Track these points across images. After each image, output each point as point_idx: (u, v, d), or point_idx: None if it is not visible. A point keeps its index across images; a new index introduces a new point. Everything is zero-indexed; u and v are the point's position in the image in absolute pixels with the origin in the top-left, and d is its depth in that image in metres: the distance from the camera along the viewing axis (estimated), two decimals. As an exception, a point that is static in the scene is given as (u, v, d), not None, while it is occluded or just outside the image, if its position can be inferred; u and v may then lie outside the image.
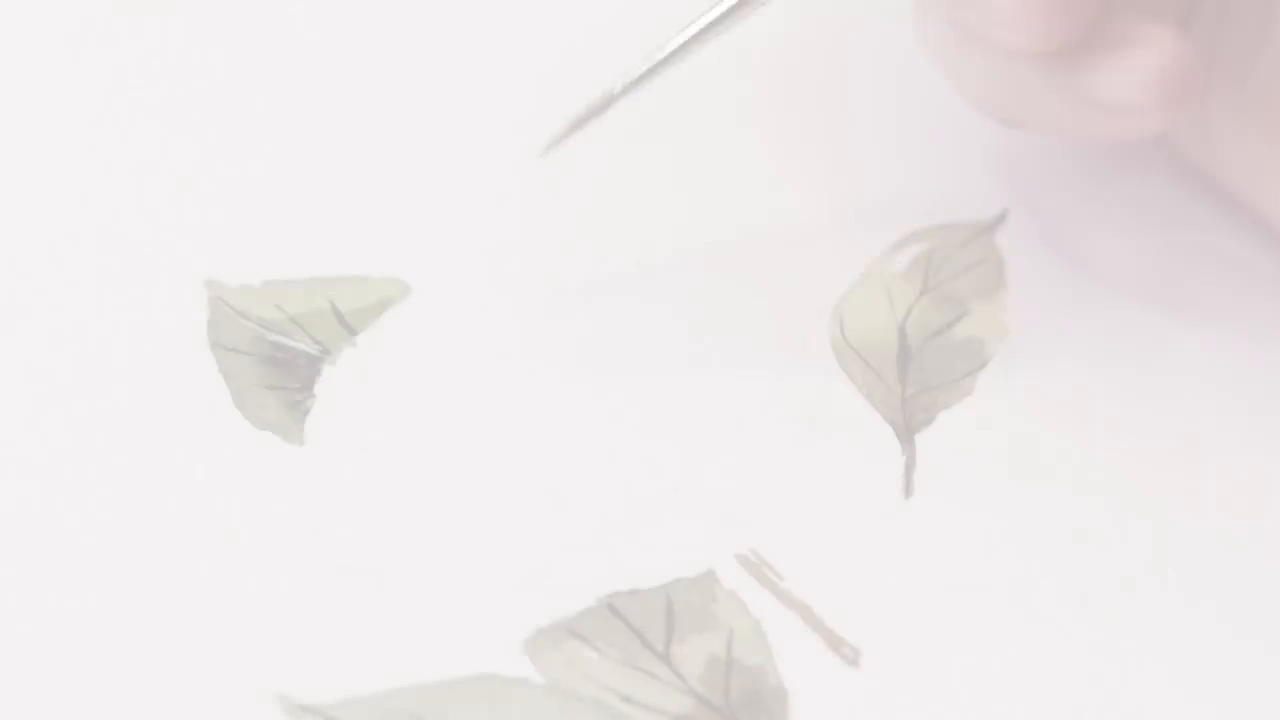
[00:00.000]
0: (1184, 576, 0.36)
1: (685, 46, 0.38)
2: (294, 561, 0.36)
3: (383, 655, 0.35)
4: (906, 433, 0.39)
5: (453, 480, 0.37)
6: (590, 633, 0.35)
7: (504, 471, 0.38)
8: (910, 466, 0.38)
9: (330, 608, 0.35)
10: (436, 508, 0.37)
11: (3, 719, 0.34)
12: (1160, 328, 0.41)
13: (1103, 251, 0.42)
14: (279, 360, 0.39)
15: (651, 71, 0.38)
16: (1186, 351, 0.40)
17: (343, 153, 0.44)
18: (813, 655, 0.35)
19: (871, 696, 0.35)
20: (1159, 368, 0.40)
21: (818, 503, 0.37)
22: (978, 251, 0.42)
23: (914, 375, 0.40)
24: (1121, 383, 0.40)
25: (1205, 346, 0.40)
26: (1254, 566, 0.37)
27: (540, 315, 0.40)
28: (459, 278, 0.41)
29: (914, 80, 0.44)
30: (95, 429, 0.38)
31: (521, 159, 0.44)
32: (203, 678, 0.34)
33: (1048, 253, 0.42)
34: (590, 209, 0.43)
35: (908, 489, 0.38)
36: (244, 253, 0.41)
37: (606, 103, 0.38)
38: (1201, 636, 0.36)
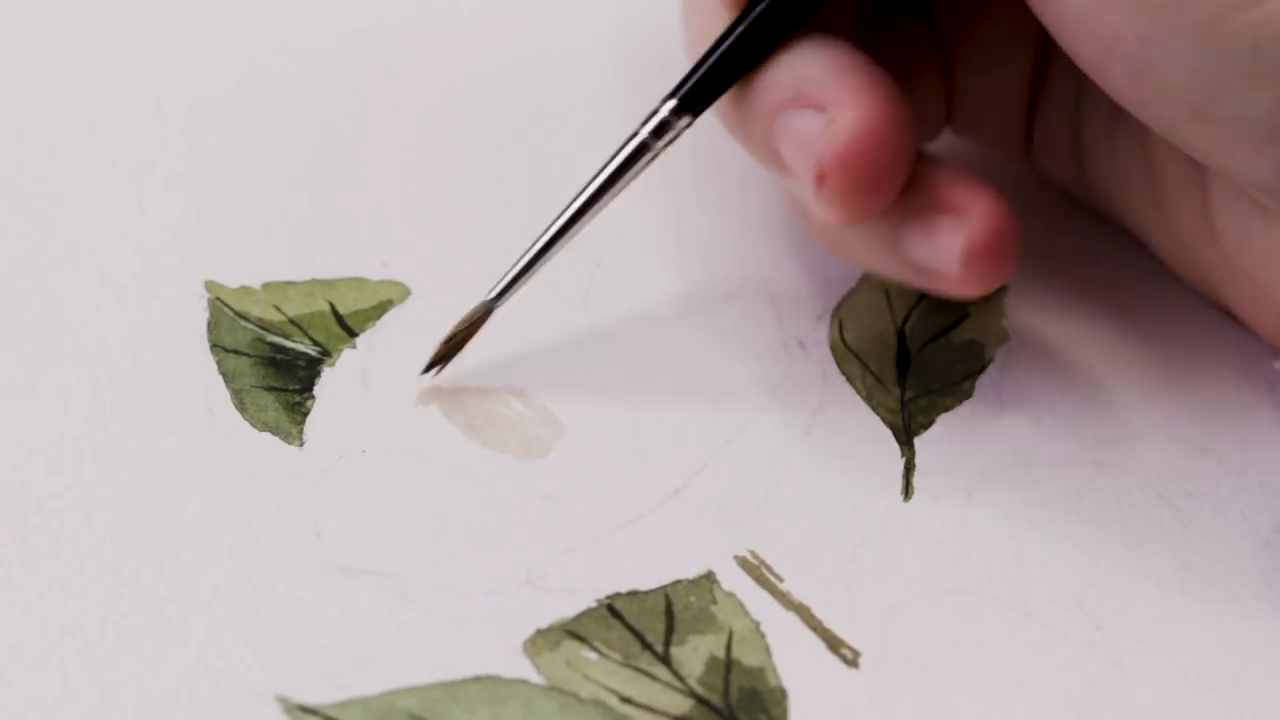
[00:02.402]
0: (1184, 577, 0.36)
1: (545, 249, 0.38)
2: (294, 561, 0.36)
3: (383, 655, 0.35)
4: (906, 435, 0.39)
5: (452, 481, 0.37)
6: (590, 633, 0.35)
7: (503, 472, 0.38)
8: (909, 469, 0.38)
9: (330, 608, 0.35)
10: (436, 508, 0.37)
11: (3, 719, 0.34)
12: (1160, 330, 0.41)
13: (1102, 255, 0.42)
14: (279, 362, 0.39)
15: (519, 277, 0.38)
16: (1187, 354, 0.40)
17: (342, 155, 0.44)
18: (812, 656, 0.35)
19: (871, 697, 0.35)
20: (1159, 370, 0.40)
21: (818, 504, 0.37)
22: (977, 255, 0.42)
23: (913, 378, 0.40)
24: (1121, 384, 0.40)
25: (1207, 349, 0.40)
26: (1255, 565, 0.37)
27: (540, 317, 0.40)
28: (458, 280, 0.41)
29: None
30: (95, 430, 0.38)
31: (520, 161, 0.44)
32: (203, 678, 0.34)
33: (1047, 256, 0.42)
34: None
35: (907, 491, 0.38)
36: (243, 255, 0.41)
37: (484, 314, 0.39)
38: (1201, 637, 0.36)
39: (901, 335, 0.41)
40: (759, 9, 0.37)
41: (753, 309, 0.41)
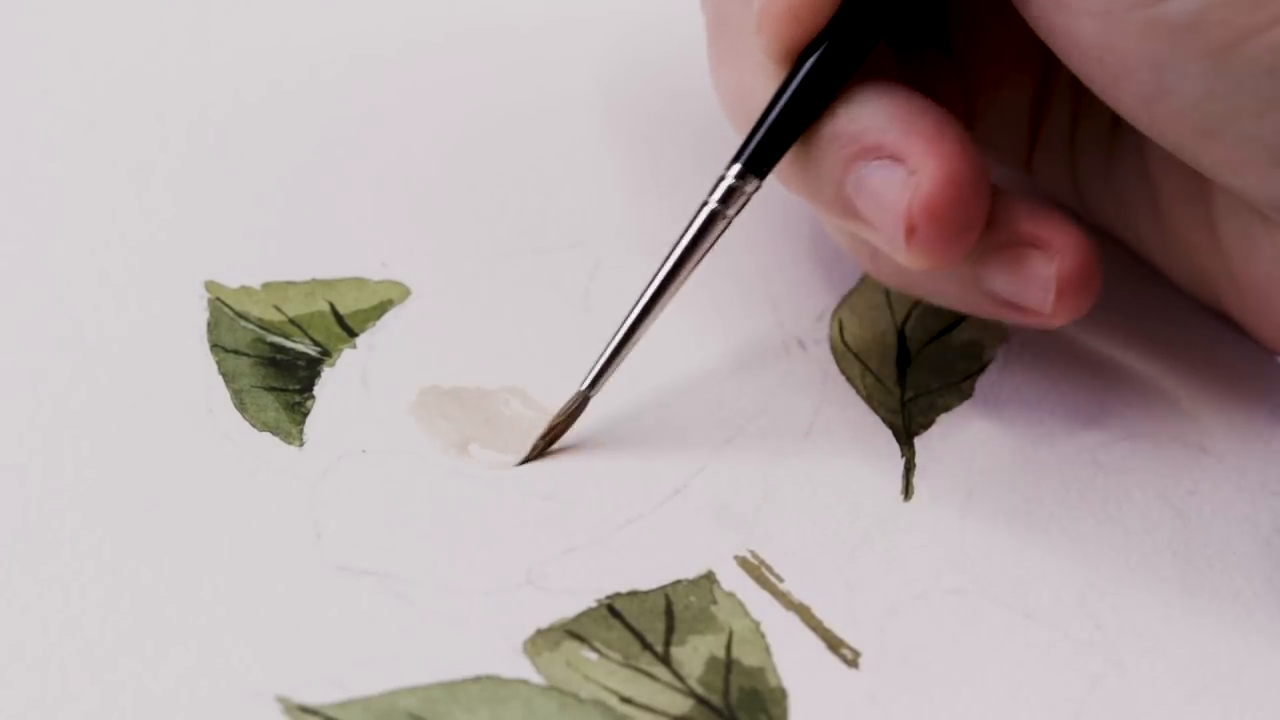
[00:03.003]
0: (1184, 576, 0.36)
1: (632, 331, 0.37)
2: (294, 561, 0.36)
3: (383, 655, 0.35)
4: (906, 435, 0.39)
5: (452, 481, 0.37)
6: (590, 633, 0.35)
7: (503, 472, 0.38)
8: (909, 469, 0.38)
9: (330, 608, 0.35)
10: (436, 508, 0.37)
11: (3, 719, 0.34)
12: (1160, 330, 0.41)
13: (1101, 254, 0.42)
14: (279, 362, 0.39)
15: (610, 362, 0.38)
16: (1187, 353, 0.40)
17: (342, 155, 0.44)
18: (812, 656, 0.35)
19: (871, 697, 0.35)
20: (1159, 370, 0.40)
21: (817, 504, 0.37)
22: (977, 255, 0.42)
23: (913, 378, 0.40)
24: (1121, 384, 0.40)
25: (1207, 348, 0.40)
26: (1255, 565, 0.37)
27: (540, 317, 0.40)
28: (458, 279, 0.41)
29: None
30: (96, 430, 0.38)
31: (520, 161, 0.44)
32: (203, 678, 0.34)
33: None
34: (589, 210, 0.43)
35: (907, 491, 0.38)
36: (244, 255, 0.41)
37: (581, 404, 0.38)
38: (1201, 637, 0.36)
39: (902, 335, 0.41)
40: (812, 60, 0.36)
41: (753, 309, 0.41)
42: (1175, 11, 0.33)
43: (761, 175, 0.37)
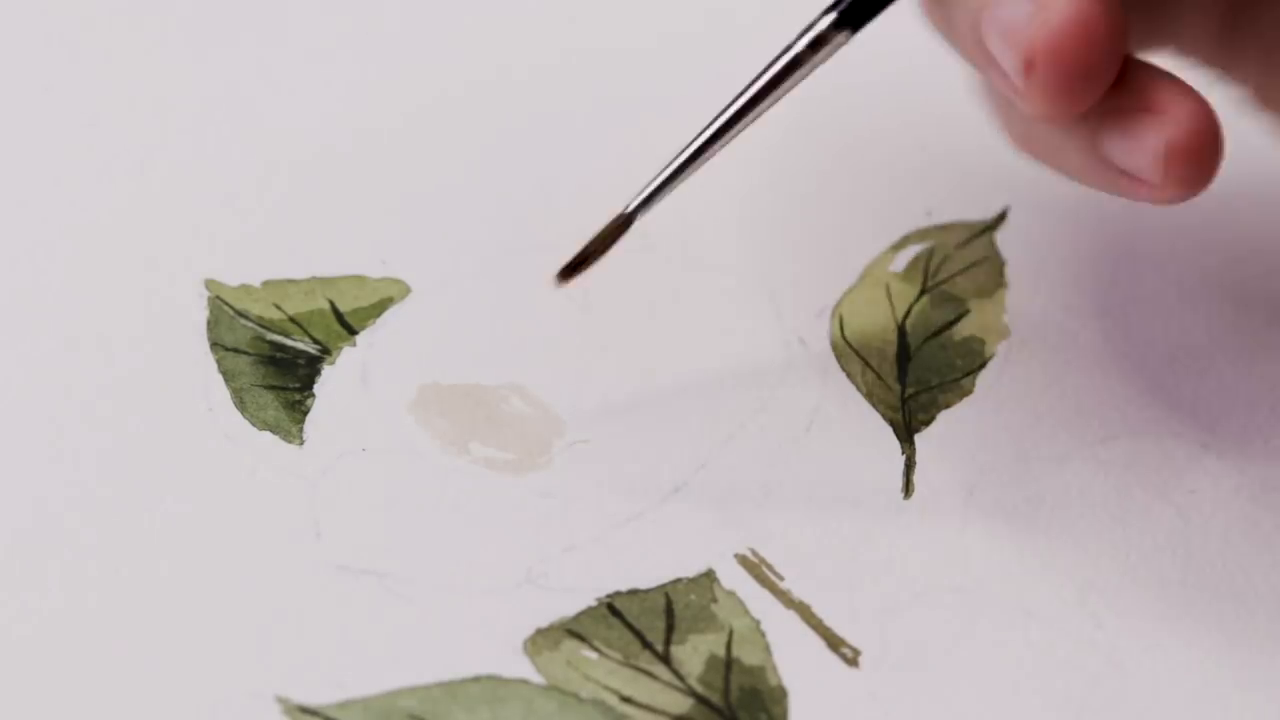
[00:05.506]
0: (1185, 575, 0.36)
1: (692, 159, 0.37)
2: (294, 561, 0.36)
3: (383, 655, 0.35)
4: (906, 433, 0.39)
5: (452, 480, 0.37)
6: (590, 633, 0.35)
7: (504, 471, 0.38)
8: (910, 466, 0.38)
9: (330, 608, 0.35)
10: (436, 508, 0.37)
11: (3, 719, 0.34)
12: (1160, 327, 0.41)
13: (1102, 252, 0.42)
14: (279, 360, 0.39)
15: (663, 186, 0.37)
16: (1187, 350, 0.40)
17: (342, 153, 0.44)
18: (812, 655, 0.35)
19: (871, 696, 0.35)
20: (1160, 366, 0.40)
21: (817, 503, 0.37)
22: (978, 251, 0.42)
23: (914, 375, 0.40)
24: (1122, 382, 0.40)
25: (1207, 345, 0.40)
26: (1256, 564, 0.37)
27: (540, 314, 0.40)
28: (458, 277, 0.41)
29: (915, 80, 0.44)
30: (95, 429, 0.38)
31: (521, 158, 0.44)
32: (203, 678, 0.34)
33: (1048, 253, 0.42)
34: (589, 209, 0.43)
35: (907, 489, 0.38)
36: (243, 253, 0.41)
37: (623, 224, 0.37)
38: (1202, 636, 0.36)
39: (902, 331, 0.41)
40: None
41: (752, 306, 0.41)
42: None
43: (855, 28, 0.36)
